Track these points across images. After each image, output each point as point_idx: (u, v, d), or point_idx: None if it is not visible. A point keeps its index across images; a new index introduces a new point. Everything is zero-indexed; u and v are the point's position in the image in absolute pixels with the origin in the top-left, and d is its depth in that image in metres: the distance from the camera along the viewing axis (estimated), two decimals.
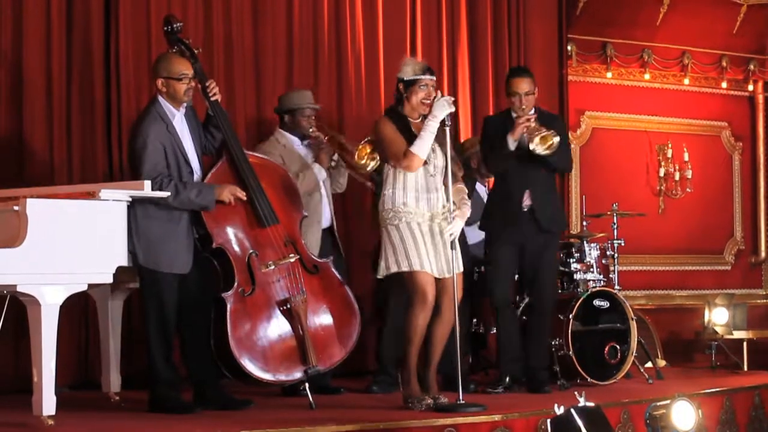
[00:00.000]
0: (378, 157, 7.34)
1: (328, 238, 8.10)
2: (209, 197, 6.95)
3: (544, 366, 8.04)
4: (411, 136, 7.00)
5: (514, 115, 7.87)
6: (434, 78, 7.17)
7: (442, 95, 7.06)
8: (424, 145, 6.93)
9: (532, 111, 7.86)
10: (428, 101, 7.04)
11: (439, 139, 7.02)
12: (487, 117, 8.52)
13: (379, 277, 7.11)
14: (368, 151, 7.58)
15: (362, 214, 9.30)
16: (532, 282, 8.05)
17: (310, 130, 8.08)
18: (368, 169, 7.56)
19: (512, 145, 7.72)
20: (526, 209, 7.90)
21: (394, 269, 6.96)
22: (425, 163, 6.99)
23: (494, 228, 8.01)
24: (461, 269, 7.11)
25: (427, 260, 6.93)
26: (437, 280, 6.99)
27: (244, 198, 7.09)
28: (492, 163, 8.01)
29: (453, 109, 6.99)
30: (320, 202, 8.07)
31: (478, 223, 8.28)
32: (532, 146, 7.64)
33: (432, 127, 6.92)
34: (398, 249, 6.94)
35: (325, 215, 8.11)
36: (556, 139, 7.62)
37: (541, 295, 8.03)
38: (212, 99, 7.18)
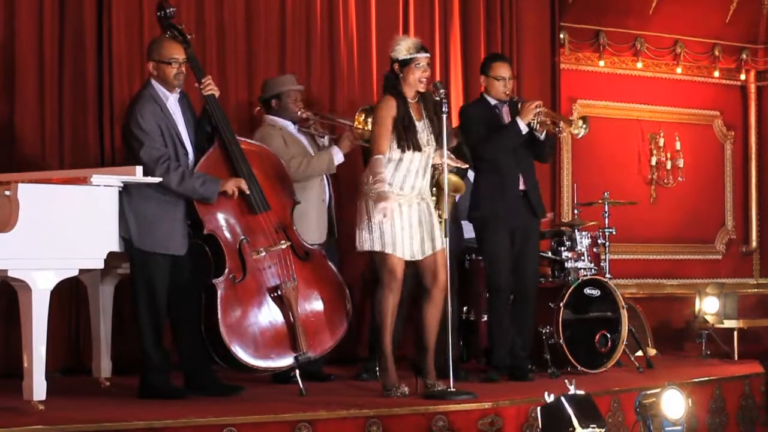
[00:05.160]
0: None
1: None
2: (213, 188, 6.94)
3: (527, 354, 8.04)
4: (409, 120, 7.02)
5: (492, 102, 7.96)
6: (428, 55, 7.17)
7: (435, 82, 7.10)
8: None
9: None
10: (424, 80, 7.06)
11: (436, 127, 7.05)
12: (465, 106, 8.44)
13: (358, 250, 7.13)
14: (363, 118, 7.64)
15: (354, 196, 9.22)
16: (516, 269, 8.04)
17: (299, 112, 8.08)
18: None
19: (525, 128, 7.77)
20: (521, 194, 7.92)
21: (367, 247, 7.00)
22: (420, 149, 7.00)
23: (489, 216, 7.94)
24: (443, 246, 7.07)
25: (401, 244, 6.96)
26: (423, 261, 7.02)
27: (247, 191, 7.08)
28: (489, 148, 7.92)
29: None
30: (323, 181, 8.07)
31: None
32: (573, 130, 7.92)
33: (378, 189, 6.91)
34: (375, 228, 6.95)
35: (326, 195, 8.11)
36: (583, 120, 7.86)
37: (525, 282, 8.02)
38: (206, 94, 7.15)
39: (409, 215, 7.02)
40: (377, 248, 6.98)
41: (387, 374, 7.04)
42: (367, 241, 7.00)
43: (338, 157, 7.96)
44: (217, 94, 7.20)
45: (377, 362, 7.24)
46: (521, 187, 7.93)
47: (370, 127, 7.65)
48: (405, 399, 6.86)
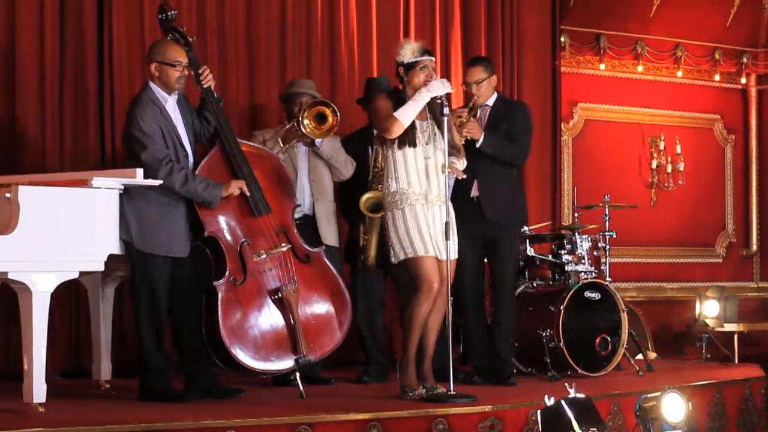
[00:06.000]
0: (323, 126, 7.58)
1: (307, 226, 7.95)
2: (216, 193, 6.94)
3: (509, 359, 8.05)
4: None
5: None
6: (433, 59, 7.19)
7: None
8: (408, 112, 6.95)
9: (494, 97, 7.99)
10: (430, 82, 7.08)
11: (439, 126, 7.04)
12: None
13: (393, 262, 7.12)
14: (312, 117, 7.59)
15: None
16: (492, 273, 8.08)
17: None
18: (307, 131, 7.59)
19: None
20: (473, 200, 7.88)
21: (402, 256, 7.00)
22: (415, 145, 6.99)
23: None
24: (456, 256, 7.12)
25: (431, 244, 6.95)
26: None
27: (248, 193, 7.07)
28: None
29: (449, 90, 6.99)
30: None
31: None
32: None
33: (421, 98, 6.95)
34: (402, 236, 6.96)
35: (303, 201, 7.92)
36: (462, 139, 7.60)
37: (501, 288, 8.03)
38: (205, 86, 7.17)
39: (424, 215, 7.01)
40: (410, 254, 6.97)
41: (407, 376, 7.03)
42: (399, 251, 7.00)
43: (274, 150, 7.79)
44: (212, 84, 7.21)
45: (399, 362, 7.21)
46: (474, 193, 7.92)
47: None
48: (405, 402, 6.86)
